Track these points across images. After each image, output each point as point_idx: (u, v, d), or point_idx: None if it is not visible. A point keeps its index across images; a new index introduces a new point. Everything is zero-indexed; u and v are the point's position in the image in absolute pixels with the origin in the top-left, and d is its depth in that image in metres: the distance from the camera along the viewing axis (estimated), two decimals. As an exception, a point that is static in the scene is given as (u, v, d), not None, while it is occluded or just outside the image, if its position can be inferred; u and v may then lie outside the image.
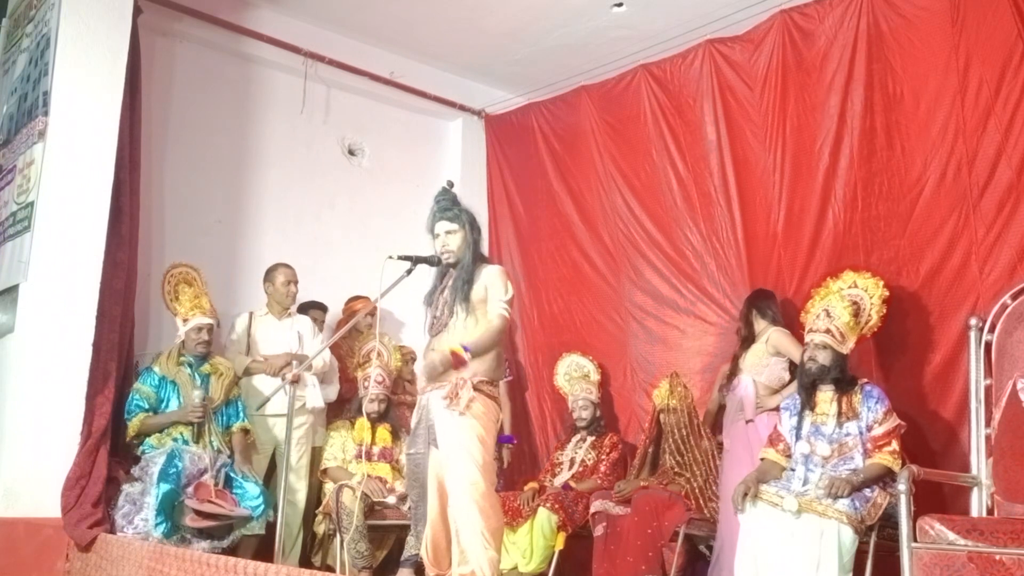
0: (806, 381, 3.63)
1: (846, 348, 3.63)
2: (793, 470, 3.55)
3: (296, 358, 4.76)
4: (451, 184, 3.63)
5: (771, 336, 4.17)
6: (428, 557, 3.39)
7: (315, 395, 4.70)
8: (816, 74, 4.50)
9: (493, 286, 3.36)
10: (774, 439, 3.69)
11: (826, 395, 3.58)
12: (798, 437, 3.59)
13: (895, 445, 3.39)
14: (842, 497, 3.21)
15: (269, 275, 4.94)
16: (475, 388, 3.25)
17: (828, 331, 3.60)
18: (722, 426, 4.63)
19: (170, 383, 4.30)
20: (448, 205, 3.46)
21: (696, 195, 5.05)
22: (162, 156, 5.13)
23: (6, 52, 5.13)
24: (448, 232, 3.43)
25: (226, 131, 5.45)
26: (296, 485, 4.66)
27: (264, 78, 5.63)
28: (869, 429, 3.46)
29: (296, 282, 4.93)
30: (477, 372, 3.28)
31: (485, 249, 3.95)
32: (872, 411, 3.48)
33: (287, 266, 4.95)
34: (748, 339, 4.32)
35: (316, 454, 4.88)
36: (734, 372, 4.34)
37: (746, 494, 3.38)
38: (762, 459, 3.70)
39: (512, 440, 5.43)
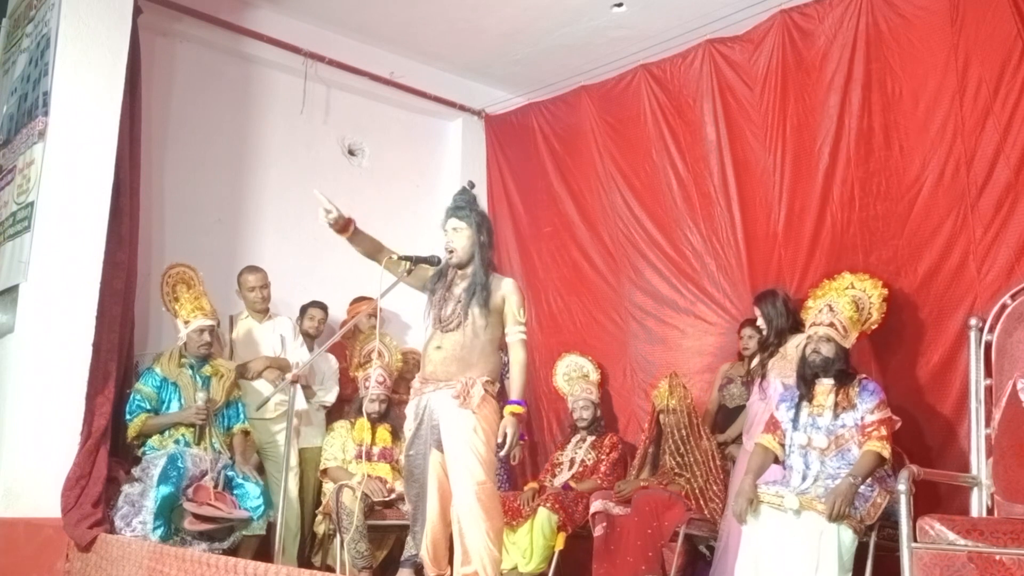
0: (808, 373, 3.62)
1: (848, 342, 3.62)
2: (789, 461, 3.55)
3: (275, 361, 4.76)
4: (472, 185, 3.67)
5: (789, 345, 4.15)
6: (428, 557, 3.40)
7: (298, 398, 4.68)
8: (816, 74, 4.50)
9: (511, 301, 3.40)
10: (772, 426, 3.68)
11: (824, 387, 3.58)
12: (795, 428, 3.58)
13: (884, 431, 3.37)
14: (845, 516, 3.18)
15: (238, 279, 4.92)
16: (482, 387, 3.27)
17: (832, 324, 3.60)
18: (722, 426, 4.64)
19: (171, 384, 4.29)
20: (461, 204, 3.50)
21: (696, 195, 5.05)
22: (162, 156, 5.13)
23: (6, 52, 5.13)
24: (454, 229, 3.46)
25: (226, 131, 5.45)
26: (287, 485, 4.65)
27: (264, 78, 5.64)
28: (862, 419, 3.46)
29: (265, 286, 4.87)
30: (483, 372, 3.32)
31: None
32: (866, 403, 3.48)
33: (255, 270, 4.91)
34: (776, 344, 4.26)
35: (303, 455, 4.87)
36: (752, 376, 4.33)
37: (750, 504, 3.37)
38: (756, 443, 3.68)
39: (523, 437, 5.43)
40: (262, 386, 4.71)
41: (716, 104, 4.94)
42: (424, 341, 3.62)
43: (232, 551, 3.93)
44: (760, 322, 4.34)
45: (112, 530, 3.92)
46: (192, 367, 4.36)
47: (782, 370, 4.17)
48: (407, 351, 5.45)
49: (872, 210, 4.26)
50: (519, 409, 3.30)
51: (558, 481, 4.84)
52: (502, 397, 3.49)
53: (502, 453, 3.29)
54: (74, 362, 4.13)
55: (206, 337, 4.36)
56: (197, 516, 3.89)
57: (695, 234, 5.06)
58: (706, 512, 4.22)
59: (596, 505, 4.46)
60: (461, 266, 3.46)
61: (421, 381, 3.48)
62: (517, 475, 5.51)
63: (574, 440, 5.03)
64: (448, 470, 3.29)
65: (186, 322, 4.35)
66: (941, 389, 3.91)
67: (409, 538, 4.09)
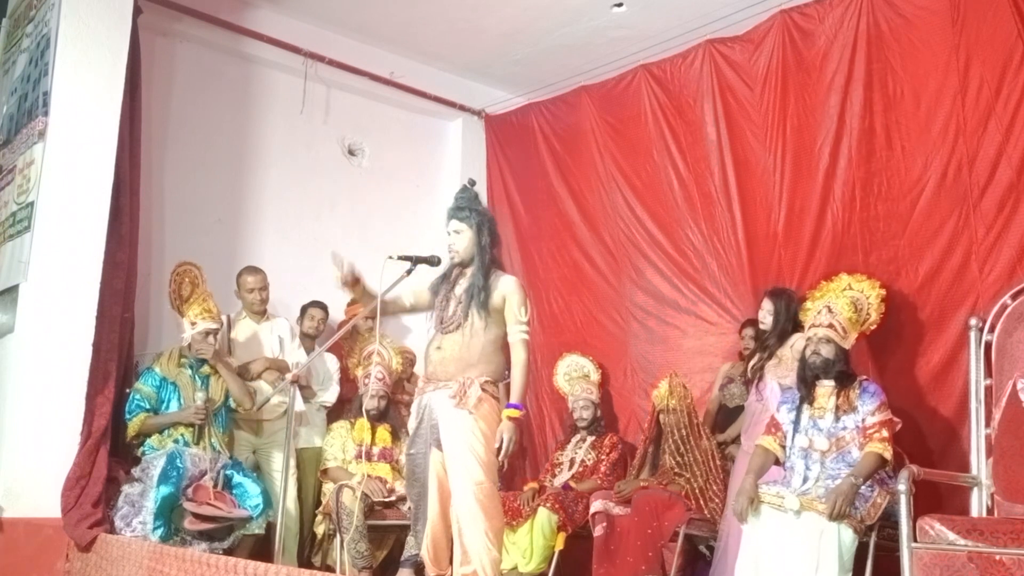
0: (809, 375, 3.61)
1: (848, 343, 3.62)
2: (790, 463, 3.55)
3: (274, 363, 4.75)
4: (472, 183, 3.63)
5: (797, 343, 4.13)
6: (428, 557, 3.40)
7: (297, 399, 4.68)
8: (816, 74, 4.50)
9: (512, 300, 3.37)
10: (773, 428, 3.67)
11: (825, 389, 3.58)
12: (796, 431, 3.58)
13: (885, 433, 3.37)
14: (846, 516, 3.18)
15: (237, 280, 4.90)
16: (480, 388, 3.27)
17: (831, 325, 3.60)
18: (722, 426, 4.64)
19: (171, 384, 4.29)
20: (462, 204, 3.48)
21: (697, 195, 5.05)
22: (162, 156, 5.13)
23: (6, 52, 5.13)
24: (455, 231, 3.46)
25: (226, 131, 5.45)
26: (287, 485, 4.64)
27: (264, 78, 5.63)
28: (863, 421, 3.46)
29: (264, 288, 4.85)
30: (483, 372, 3.31)
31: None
32: (866, 405, 3.47)
33: (255, 271, 4.89)
34: (777, 344, 4.23)
35: (301, 455, 4.85)
36: (752, 376, 4.30)
37: (751, 503, 3.37)
38: (757, 445, 3.68)
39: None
40: (262, 387, 4.70)
41: (716, 104, 4.94)
42: (427, 342, 3.62)
43: (230, 551, 3.93)
44: (765, 315, 4.29)
45: (112, 530, 3.91)
46: (191, 367, 4.36)
47: (777, 372, 4.16)
48: (403, 350, 5.44)
49: (873, 210, 4.26)
50: (516, 413, 3.27)
51: (558, 481, 4.84)
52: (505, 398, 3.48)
53: (499, 458, 3.28)
54: (74, 362, 4.12)
55: (211, 340, 4.36)
56: (197, 516, 3.89)
57: (696, 234, 5.06)
58: (706, 512, 4.21)
59: (596, 505, 4.46)
60: (464, 265, 3.46)
61: (424, 381, 3.49)
62: (514, 475, 5.51)
63: (574, 440, 5.04)
64: (447, 470, 3.29)
65: (192, 323, 4.34)
66: (942, 389, 3.91)
67: (410, 537, 4.10)
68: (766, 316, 4.30)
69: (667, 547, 4.20)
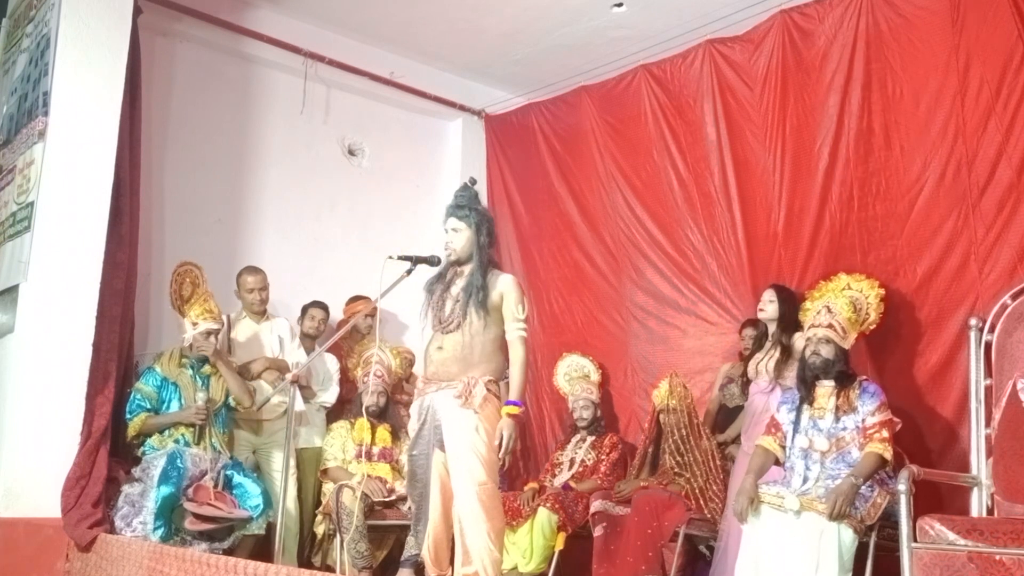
0: (808, 375, 3.61)
1: (847, 343, 3.62)
2: (790, 463, 3.55)
3: (274, 362, 4.75)
4: (473, 182, 3.63)
5: (797, 343, 4.12)
6: (429, 557, 3.40)
7: (297, 399, 4.68)
8: (816, 74, 4.50)
9: (509, 298, 3.37)
10: (772, 428, 3.67)
11: (825, 390, 3.58)
12: (796, 431, 3.58)
13: (886, 434, 3.37)
14: (846, 516, 3.18)
15: (237, 280, 4.90)
16: (484, 387, 3.27)
17: (831, 326, 3.60)
18: (722, 426, 4.64)
19: (171, 384, 4.29)
20: (462, 203, 3.48)
21: (697, 195, 5.05)
22: (162, 156, 5.13)
23: (6, 52, 5.13)
24: (454, 230, 3.46)
25: (226, 131, 5.45)
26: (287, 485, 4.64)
27: (264, 78, 5.64)
28: (863, 422, 3.46)
29: (264, 288, 4.84)
30: (485, 372, 3.31)
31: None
32: (866, 405, 3.47)
33: (255, 271, 4.88)
34: (786, 348, 4.20)
35: (301, 455, 4.84)
36: (759, 374, 4.29)
37: (751, 503, 3.37)
38: (757, 445, 3.68)
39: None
40: (262, 387, 4.70)
41: (716, 104, 4.94)
42: (424, 342, 3.62)
43: (231, 551, 3.93)
44: (766, 303, 4.27)
45: (112, 530, 3.91)
46: (192, 367, 4.36)
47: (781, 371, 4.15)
48: (402, 350, 5.43)
49: (871, 210, 4.26)
50: (515, 410, 3.28)
51: (558, 481, 4.84)
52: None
53: (500, 455, 3.28)
54: (74, 362, 4.12)
55: (212, 340, 4.36)
56: (198, 516, 3.88)
57: (696, 234, 5.06)
58: (706, 512, 4.21)
59: (596, 505, 4.46)
60: (460, 263, 3.46)
61: (424, 381, 3.49)
62: (515, 475, 5.51)
63: (574, 440, 5.04)
64: (450, 470, 3.29)
65: (194, 323, 4.33)
66: (941, 389, 3.91)
67: (410, 537, 4.08)
68: (767, 304, 4.28)
69: (667, 547, 4.21)
